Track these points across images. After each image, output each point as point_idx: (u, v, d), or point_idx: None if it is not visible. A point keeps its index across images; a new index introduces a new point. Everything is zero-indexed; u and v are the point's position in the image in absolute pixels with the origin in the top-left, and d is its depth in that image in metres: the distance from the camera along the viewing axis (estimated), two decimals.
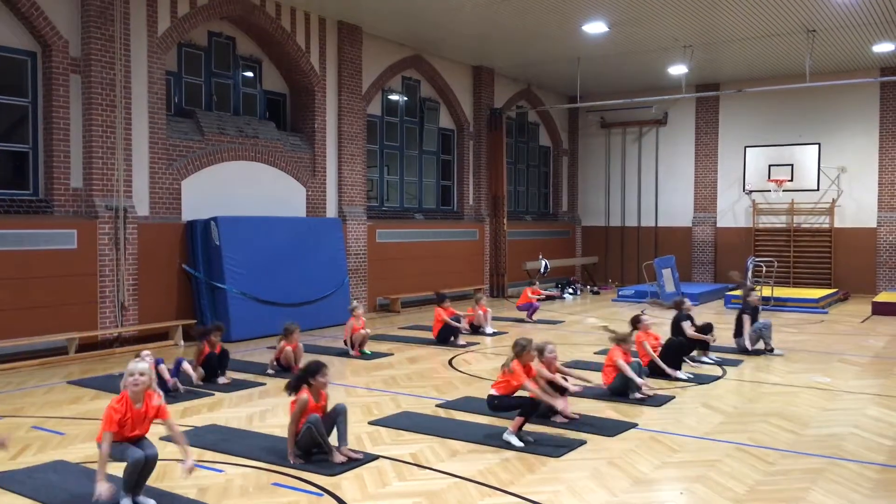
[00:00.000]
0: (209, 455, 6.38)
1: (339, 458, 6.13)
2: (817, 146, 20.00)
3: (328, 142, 15.54)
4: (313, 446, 6.18)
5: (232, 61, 14.20)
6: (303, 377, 6.29)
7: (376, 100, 17.23)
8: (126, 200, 11.68)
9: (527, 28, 15.98)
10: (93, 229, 11.29)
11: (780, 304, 17.11)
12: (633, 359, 8.56)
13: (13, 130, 11.14)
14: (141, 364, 5.30)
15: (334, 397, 8.57)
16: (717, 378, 9.59)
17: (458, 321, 12.36)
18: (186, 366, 8.97)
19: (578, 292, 21.00)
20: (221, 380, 9.17)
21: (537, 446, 6.58)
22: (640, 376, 8.35)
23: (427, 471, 6.04)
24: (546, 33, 16.37)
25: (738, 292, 17.84)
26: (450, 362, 10.77)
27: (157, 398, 5.36)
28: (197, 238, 12.68)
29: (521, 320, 15.01)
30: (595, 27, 15.69)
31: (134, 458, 5.04)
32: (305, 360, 8.47)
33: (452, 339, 12.23)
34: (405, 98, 18.21)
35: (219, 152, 13.33)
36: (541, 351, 7.39)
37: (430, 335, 12.45)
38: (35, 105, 11.18)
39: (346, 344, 11.33)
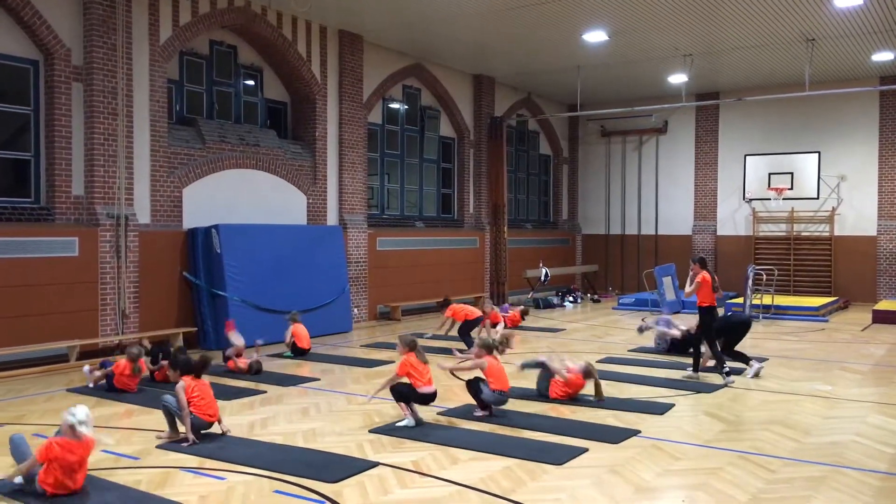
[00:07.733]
0: (210, 463, 6.37)
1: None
2: (817, 155, 20.05)
3: (329, 150, 15.57)
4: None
5: (233, 70, 14.25)
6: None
7: (377, 108, 17.27)
8: (127, 208, 11.70)
9: (527, 37, 16.03)
10: (94, 237, 11.30)
11: (781, 312, 17.10)
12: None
13: (15, 138, 11.16)
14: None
15: (334, 405, 8.60)
16: (719, 387, 9.58)
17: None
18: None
19: (579, 300, 21.01)
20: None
21: (539, 453, 6.57)
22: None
23: (428, 478, 6.03)
24: (546, 42, 16.42)
25: (739, 300, 17.87)
26: (451, 371, 10.73)
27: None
28: (198, 246, 12.69)
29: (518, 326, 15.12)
30: (595, 36, 15.73)
31: None
32: None
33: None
34: (406, 106, 18.26)
35: (220, 160, 13.35)
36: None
37: (431, 343, 12.63)
38: (37, 113, 11.20)
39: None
